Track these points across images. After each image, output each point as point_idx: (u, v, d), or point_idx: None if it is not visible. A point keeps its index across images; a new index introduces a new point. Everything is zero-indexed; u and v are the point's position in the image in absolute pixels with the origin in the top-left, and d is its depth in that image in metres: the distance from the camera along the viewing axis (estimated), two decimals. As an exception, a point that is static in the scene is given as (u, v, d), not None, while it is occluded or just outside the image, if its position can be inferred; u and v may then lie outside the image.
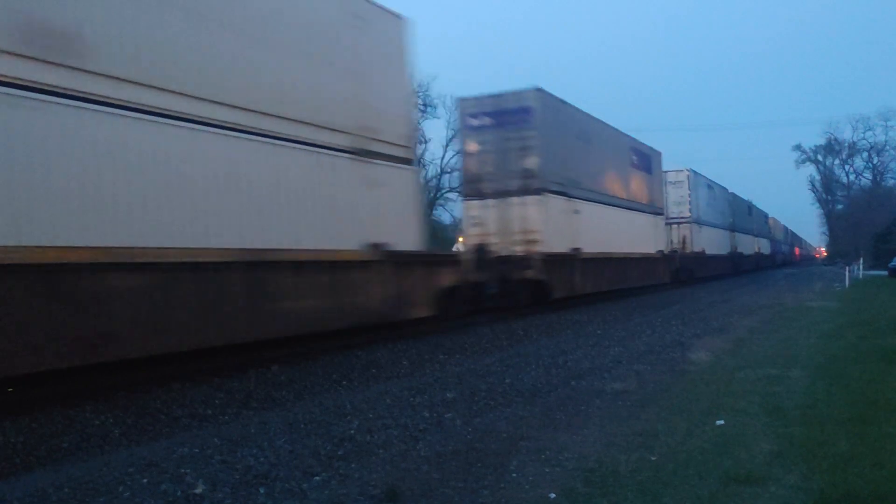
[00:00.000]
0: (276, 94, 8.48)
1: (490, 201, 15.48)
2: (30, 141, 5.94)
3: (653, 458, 4.34)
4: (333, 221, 9.37)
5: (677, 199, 28.64)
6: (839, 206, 73.94)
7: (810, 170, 75.51)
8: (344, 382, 7.39)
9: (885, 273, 34.30)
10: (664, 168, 26.39)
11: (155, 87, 7.01)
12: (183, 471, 4.31)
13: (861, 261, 36.71)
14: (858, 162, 70.87)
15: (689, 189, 29.10)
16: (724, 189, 37.64)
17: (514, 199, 15.25)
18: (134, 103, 6.78)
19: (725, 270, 36.71)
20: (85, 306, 6.31)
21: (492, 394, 6.51)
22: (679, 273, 26.85)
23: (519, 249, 15.06)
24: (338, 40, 9.63)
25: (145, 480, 4.15)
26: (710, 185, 33.78)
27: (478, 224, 15.53)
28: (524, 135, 15.27)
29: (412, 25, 11.04)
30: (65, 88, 6.19)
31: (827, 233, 79.51)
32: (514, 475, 4.16)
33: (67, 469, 4.47)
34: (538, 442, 4.83)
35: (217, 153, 7.70)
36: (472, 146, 16.01)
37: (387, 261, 10.20)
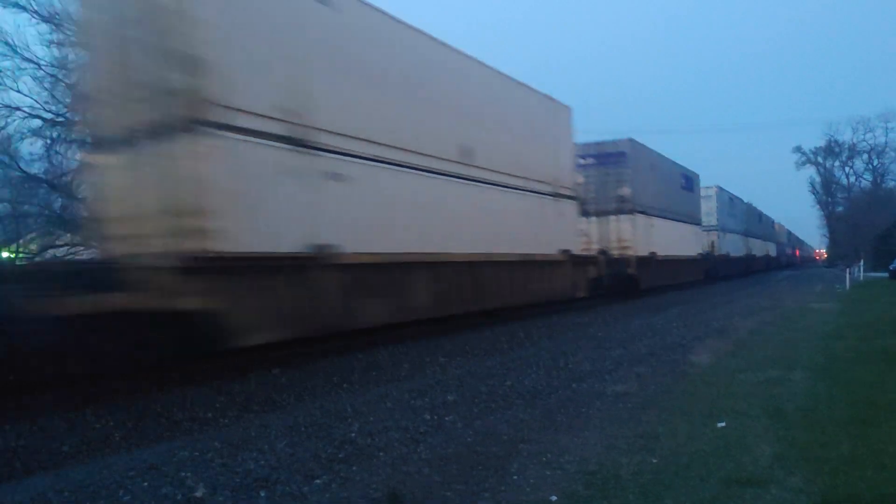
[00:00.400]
0: (524, 164, 14.54)
1: (593, 219, 20.93)
2: (479, 203, 12.73)
3: (654, 461, 4.33)
4: (546, 236, 15.47)
5: (707, 211, 33.92)
6: (839, 208, 73.81)
7: (810, 171, 75.52)
8: (345, 385, 7.39)
9: (885, 275, 34.29)
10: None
11: (500, 172, 13.45)
12: (183, 474, 4.30)
13: (861, 262, 36.72)
14: (858, 164, 70.73)
15: (716, 202, 35.38)
16: (741, 200, 43.68)
17: (612, 217, 21.26)
18: (492, 181, 13.19)
19: (742, 270, 42.38)
20: (483, 281, 12.99)
21: (492, 396, 6.50)
22: (710, 272, 32.39)
23: (614, 254, 20.65)
24: (545, 127, 15.95)
25: (146, 484, 4.14)
26: (732, 198, 39.86)
27: (583, 235, 20.26)
28: (620, 171, 21.32)
29: (573, 111, 17.61)
30: (467, 176, 12.38)
31: (827, 234, 79.42)
32: (516, 478, 4.15)
33: (68, 473, 4.46)
34: (539, 444, 4.83)
35: (512, 202, 14.06)
36: (580, 179, 20.97)
37: (569, 260, 16.60)
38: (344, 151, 9.29)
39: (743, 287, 28.40)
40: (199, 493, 3.97)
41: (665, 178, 25.69)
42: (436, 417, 5.70)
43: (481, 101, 13.20)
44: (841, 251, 64.47)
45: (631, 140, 21.82)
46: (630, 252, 21.00)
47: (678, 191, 27.53)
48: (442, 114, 11.82)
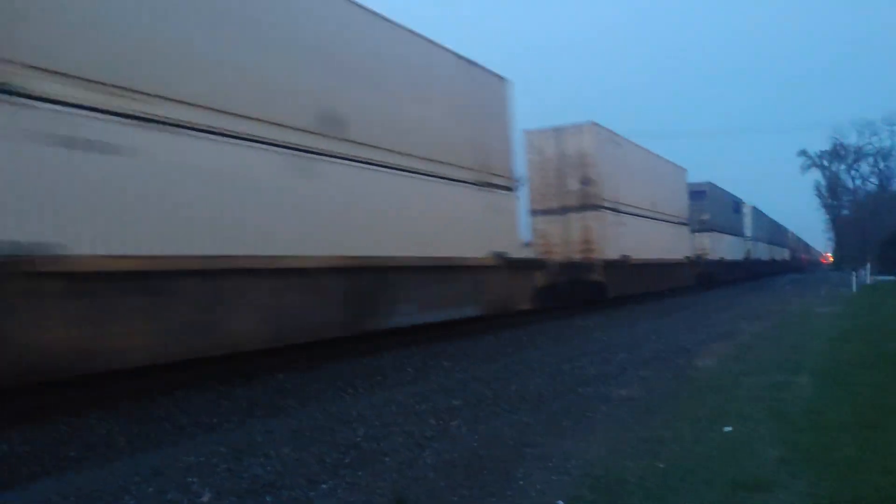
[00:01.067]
0: (669, 204, 24.84)
1: None
2: (657, 229, 23.48)
3: (660, 465, 4.32)
4: (678, 247, 25.17)
5: (744, 224, 43.39)
6: (844, 212, 73.45)
7: (816, 175, 75.18)
8: (349, 390, 7.38)
9: (892, 278, 34.13)
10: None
11: (660, 211, 23.50)
12: (189, 479, 4.30)
13: (868, 266, 36.57)
14: (864, 167, 70.26)
15: (751, 218, 45.24)
16: (766, 214, 53.87)
17: (696, 234, 29.57)
18: (660, 218, 23.88)
19: (767, 271, 52.53)
20: (657, 273, 22.67)
21: (497, 401, 6.49)
22: (747, 271, 41.92)
23: (702, 258, 29.88)
24: (675, 179, 26.23)
25: (151, 489, 4.15)
26: (760, 214, 49.97)
27: None
28: (701, 203, 30.66)
29: (687, 171, 28.26)
30: (653, 217, 22.93)
31: (833, 238, 79.03)
32: (521, 482, 4.14)
33: (72, 478, 4.46)
34: (544, 449, 4.82)
35: (666, 228, 24.47)
36: None
37: (688, 262, 26.29)
38: (623, 210, 19.39)
39: (749, 291, 28.33)
40: (205, 499, 3.97)
41: (726, 205, 36.89)
42: (441, 422, 5.69)
43: (655, 171, 23.37)
44: (847, 254, 64.19)
45: (710, 182, 32.88)
46: (709, 257, 30.75)
47: (731, 213, 39.12)
48: (645, 186, 21.80)
